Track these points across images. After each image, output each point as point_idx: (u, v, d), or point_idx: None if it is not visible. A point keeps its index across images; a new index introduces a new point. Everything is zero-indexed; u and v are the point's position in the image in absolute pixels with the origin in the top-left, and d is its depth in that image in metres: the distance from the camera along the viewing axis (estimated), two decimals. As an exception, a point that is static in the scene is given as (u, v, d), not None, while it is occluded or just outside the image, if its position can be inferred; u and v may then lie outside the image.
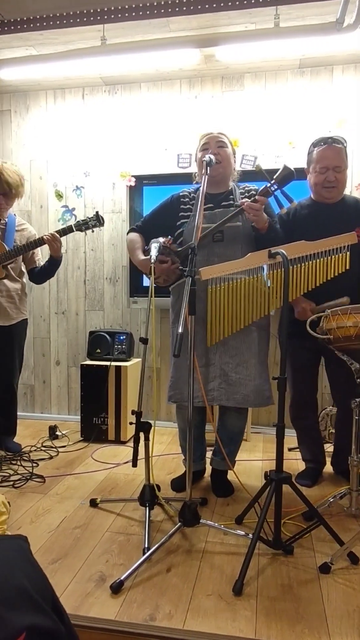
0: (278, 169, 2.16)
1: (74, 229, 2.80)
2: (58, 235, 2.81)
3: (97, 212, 2.82)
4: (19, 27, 2.96)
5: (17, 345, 3.06)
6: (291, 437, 2.70)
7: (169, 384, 2.42)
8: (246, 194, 2.40)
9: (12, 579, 0.66)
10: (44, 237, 2.81)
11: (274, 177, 2.14)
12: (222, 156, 2.33)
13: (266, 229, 2.24)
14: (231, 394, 2.29)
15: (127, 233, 2.57)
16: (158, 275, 2.34)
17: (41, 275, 3.04)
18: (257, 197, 2.16)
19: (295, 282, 2.25)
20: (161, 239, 2.29)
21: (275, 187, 2.14)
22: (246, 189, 2.44)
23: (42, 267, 3.01)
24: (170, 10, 2.78)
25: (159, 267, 2.29)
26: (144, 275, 2.52)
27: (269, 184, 2.15)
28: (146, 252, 2.40)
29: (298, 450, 2.78)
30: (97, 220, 2.80)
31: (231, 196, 2.39)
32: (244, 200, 2.20)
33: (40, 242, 2.83)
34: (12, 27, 2.97)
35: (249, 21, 2.84)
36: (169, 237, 2.34)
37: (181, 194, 2.47)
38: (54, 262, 2.94)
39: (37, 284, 3.12)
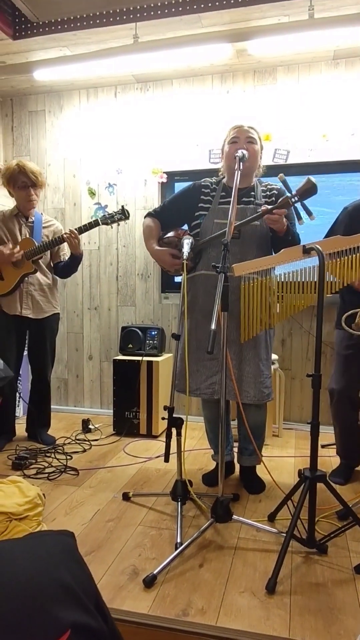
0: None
1: (100, 223, 2.87)
2: (77, 232, 2.88)
3: (122, 206, 2.88)
4: (52, 28, 3.01)
5: (49, 338, 3.14)
6: (324, 434, 2.67)
7: (176, 374, 2.44)
8: (268, 193, 2.39)
9: (57, 576, 0.66)
10: (63, 235, 2.89)
11: (297, 189, 2.12)
12: (250, 152, 2.31)
13: (284, 231, 2.24)
14: (231, 390, 2.27)
15: (144, 217, 2.57)
16: (170, 266, 2.39)
17: (64, 270, 3.11)
18: (275, 209, 2.15)
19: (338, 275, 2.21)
20: (171, 234, 2.32)
21: (296, 199, 2.13)
22: (269, 187, 2.42)
23: (64, 262, 3.08)
24: (202, 6, 2.77)
25: (171, 261, 2.35)
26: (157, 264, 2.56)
27: (289, 195, 2.13)
28: (160, 240, 2.45)
29: (331, 447, 2.73)
30: (123, 214, 2.87)
31: (252, 193, 2.38)
32: (264, 207, 2.19)
33: (57, 241, 2.92)
34: (47, 29, 3.02)
35: (282, 14, 2.80)
36: (184, 229, 2.36)
37: (203, 183, 2.47)
38: (74, 259, 3.02)
39: (60, 278, 3.21)
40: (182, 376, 2.39)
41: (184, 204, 2.47)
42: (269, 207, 2.18)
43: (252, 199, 2.36)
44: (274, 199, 2.35)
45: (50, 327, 3.14)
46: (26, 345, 3.19)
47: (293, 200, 2.13)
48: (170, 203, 2.55)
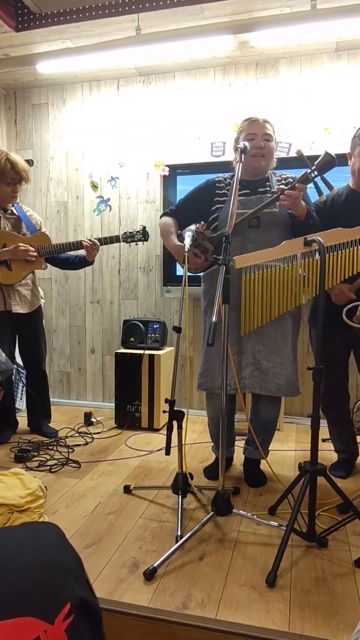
0: (314, 156, 2.11)
1: (121, 240, 2.93)
2: (99, 244, 2.91)
3: (144, 227, 2.93)
4: (55, 19, 2.99)
5: (40, 330, 3.18)
6: (325, 428, 2.65)
7: (200, 372, 2.42)
8: (283, 182, 2.36)
9: (55, 556, 0.72)
10: (83, 242, 2.89)
11: (315, 163, 2.09)
12: (266, 150, 2.31)
13: (304, 215, 2.20)
14: (263, 383, 2.28)
15: (160, 217, 2.56)
16: (190, 264, 2.33)
17: (66, 264, 3.11)
18: (295, 184, 2.12)
19: (332, 270, 2.20)
20: (193, 226, 2.28)
21: (315, 173, 2.09)
22: (283, 176, 2.40)
23: (71, 258, 3.07)
24: (204, -4, 2.74)
25: (193, 260, 2.29)
26: (177, 263, 2.52)
27: (308, 171, 2.10)
28: (180, 237, 2.40)
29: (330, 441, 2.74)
30: (143, 235, 2.93)
31: (267, 183, 2.37)
32: (281, 186, 2.17)
33: (77, 245, 2.91)
34: (49, 20, 3.00)
35: (285, 5, 2.77)
36: (202, 222, 2.32)
37: (216, 178, 2.45)
38: (85, 263, 3.04)
39: (59, 269, 3.24)
40: (210, 373, 2.36)
41: (200, 201, 2.45)
42: (285, 187, 2.14)
43: (268, 188, 2.34)
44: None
45: (39, 318, 3.18)
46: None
47: (312, 175, 2.09)
48: (185, 201, 2.53)
